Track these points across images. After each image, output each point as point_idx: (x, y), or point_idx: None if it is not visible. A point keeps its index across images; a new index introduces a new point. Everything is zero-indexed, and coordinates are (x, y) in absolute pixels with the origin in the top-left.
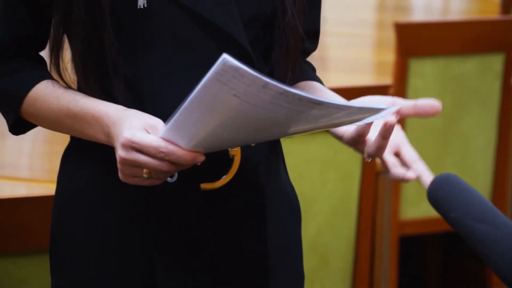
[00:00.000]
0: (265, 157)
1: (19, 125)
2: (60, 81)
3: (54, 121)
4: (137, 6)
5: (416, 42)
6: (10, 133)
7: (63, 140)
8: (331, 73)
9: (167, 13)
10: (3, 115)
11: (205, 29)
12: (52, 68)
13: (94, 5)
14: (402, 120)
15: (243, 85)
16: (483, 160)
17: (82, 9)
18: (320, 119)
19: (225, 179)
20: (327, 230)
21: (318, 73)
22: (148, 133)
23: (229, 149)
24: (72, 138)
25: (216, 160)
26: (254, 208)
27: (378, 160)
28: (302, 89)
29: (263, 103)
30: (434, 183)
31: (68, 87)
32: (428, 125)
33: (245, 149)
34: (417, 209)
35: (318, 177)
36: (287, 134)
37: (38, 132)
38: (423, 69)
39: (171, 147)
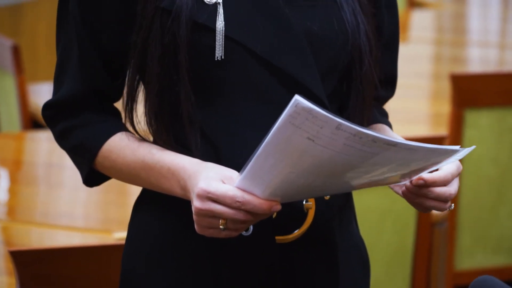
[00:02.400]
0: (338, 211)
1: (93, 178)
2: (135, 133)
3: (129, 174)
4: (214, 58)
5: (472, 93)
6: (65, 183)
7: (118, 189)
8: None
9: (244, 65)
10: (77, 166)
11: (282, 81)
12: (126, 120)
13: (170, 59)
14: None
15: (316, 127)
16: None
17: (156, 63)
18: (393, 163)
19: (298, 232)
20: (383, 280)
21: None
22: (224, 183)
23: (304, 202)
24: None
25: (290, 213)
26: (327, 261)
27: (433, 212)
28: None
29: (337, 146)
30: (473, 286)
31: (143, 139)
32: (484, 175)
33: (319, 203)
34: (472, 260)
35: (374, 228)
36: (363, 185)
37: None
38: (479, 120)
39: (247, 196)
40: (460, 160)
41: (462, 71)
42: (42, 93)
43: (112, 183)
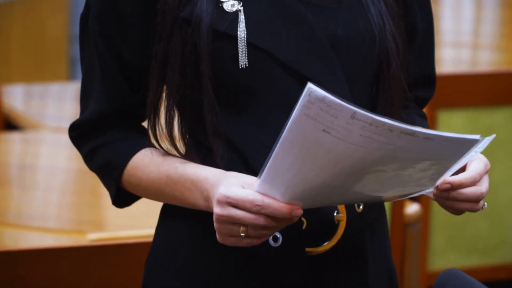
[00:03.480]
0: (371, 225)
1: (122, 197)
2: (159, 148)
3: (155, 191)
4: (238, 66)
5: (445, 93)
6: (39, 184)
7: (92, 191)
8: None
9: (269, 72)
10: (106, 187)
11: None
12: (150, 134)
13: (191, 69)
14: None
15: (331, 118)
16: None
17: (177, 74)
18: (413, 159)
19: (329, 244)
20: None
21: None
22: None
23: (335, 214)
24: None
25: (321, 225)
26: (357, 274)
27: (405, 212)
28: None
29: (353, 137)
30: (439, 279)
31: (168, 153)
32: None
33: (350, 215)
34: (445, 261)
35: None
36: (386, 190)
37: (66, 182)
38: (452, 121)
39: (267, 200)
40: None
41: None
42: (15, 94)
43: (85, 183)
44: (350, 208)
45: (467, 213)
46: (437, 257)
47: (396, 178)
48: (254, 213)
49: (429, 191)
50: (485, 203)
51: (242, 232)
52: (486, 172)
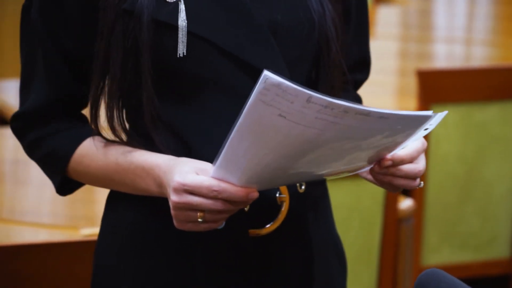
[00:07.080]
0: (314, 205)
1: (66, 186)
2: (103, 138)
3: (103, 178)
4: (176, 55)
5: (438, 89)
6: (32, 180)
7: (85, 186)
8: None
9: (210, 60)
10: (49, 176)
11: (248, 74)
12: (92, 126)
13: (132, 63)
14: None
15: (287, 103)
16: (505, 208)
17: (118, 68)
18: (365, 138)
19: (272, 226)
20: (349, 277)
21: None
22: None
23: (277, 195)
24: None
25: (263, 206)
26: (302, 255)
27: (399, 207)
28: None
29: (309, 120)
30: (420, 279)
31: (113, 142)
32: (450, 172)
33: (293, 195)
34: (438, 256)
35: (341, 224)
36: (341, 168)
37: None
38: (445, 117)
39: (223, 185)
40: (426, 157)
41: (428, 67)
42: (8, 89)
43: None
44: (292, 188)
45: (459, 210)
46: (430, 252)
47: (345, 154)
48: (211, 198)
49: (368, 168)
50: (422, 182)
51: (199, 218)
52: (424, 150)
